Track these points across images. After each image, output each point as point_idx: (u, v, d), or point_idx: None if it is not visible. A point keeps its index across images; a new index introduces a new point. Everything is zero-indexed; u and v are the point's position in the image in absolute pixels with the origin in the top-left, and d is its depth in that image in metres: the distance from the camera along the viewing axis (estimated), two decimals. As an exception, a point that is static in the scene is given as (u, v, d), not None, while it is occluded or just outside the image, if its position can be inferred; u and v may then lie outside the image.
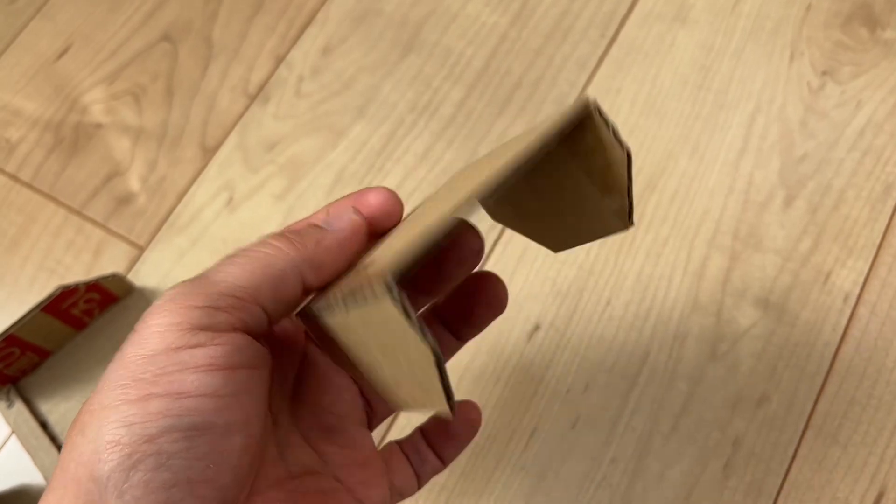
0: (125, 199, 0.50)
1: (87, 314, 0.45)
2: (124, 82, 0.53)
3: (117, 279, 0.45)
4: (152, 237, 0.48)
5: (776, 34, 0.49)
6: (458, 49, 0.51)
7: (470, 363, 0.43)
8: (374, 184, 0.48)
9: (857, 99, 0.47)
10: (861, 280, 0.43)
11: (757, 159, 0.46)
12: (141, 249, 0.48)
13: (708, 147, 0.47)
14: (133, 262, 0.48)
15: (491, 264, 0.45)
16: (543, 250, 0.45)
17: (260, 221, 0.48)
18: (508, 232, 0.46)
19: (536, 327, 0.44)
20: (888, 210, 0.44)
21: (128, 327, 0.46)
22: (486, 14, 0.52)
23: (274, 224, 0.48)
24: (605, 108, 0.48)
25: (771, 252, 0.44)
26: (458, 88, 0.50)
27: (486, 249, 0.46)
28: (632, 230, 0.45)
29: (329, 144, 0.50)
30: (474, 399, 0.42)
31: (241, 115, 0.51)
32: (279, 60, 0.52)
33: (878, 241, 0.44)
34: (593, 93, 0.49)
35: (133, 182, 0.50)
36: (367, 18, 0.53)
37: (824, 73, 0.48)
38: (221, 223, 0.48)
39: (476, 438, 0.42)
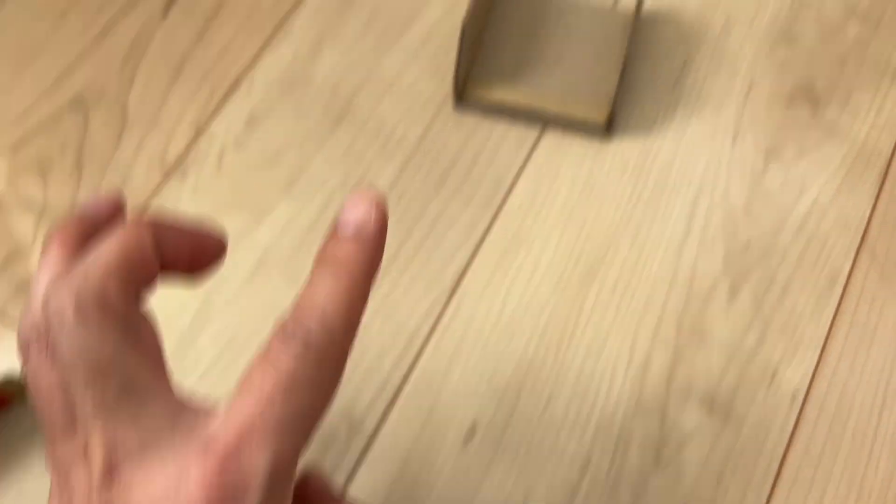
0: (26, 285, 0.45)
1: (-23, 419, 0.41)
2: (29, 152, 0.49)
3: (9, 381, 0.41)
4: (55, 328, 0.44)
5: (719, 112, 0.48)
6: (392, 121, 0.49)
7: (399, 475, 0.40)
8: (301, 268, 0.45)
9: (801, 182, 0.46)
10: (808, 377, 0.41)
11: (700, 247, 0.44)
12: (41, 342, 0.44)
13: (650, 233, 0.45)
14: (32, 357, 0.43)
15: (424, 360, 0.42)
16: (479, 345, 0.43)
17: (174, 310, 0.44)
18: (441, 327, 0.43)
19: (472, 431, 0.41)
20: (833, 302, 0.43)
21: (23, 434, 0.42)
22: (422, 83, 0.49)
23: (191, 312, 0.44)
24: (543, 192, 0.46)
25: (716, 347, 0.42)
26: (392, 164, 0.47)
27: (417, 347, 0.43)
28: (572, 322, 0.43)
29: (252, 223, 0.46)
30: (404, 515, 0.39)
31: (156, 192, 0.47)
32: (200, 131, 0.49)
33: (824, 336, 0.42)
34: (531, 174, 0.47)
35: (35, 264, 0.46)
36: (295, 87, 0.50)
37: (768, 154, 0.47)
38: (132, 313, 0.44)
39: (406, 555, 0.38)
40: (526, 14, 0.50)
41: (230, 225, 0.46)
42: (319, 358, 0.21)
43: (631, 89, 0.49)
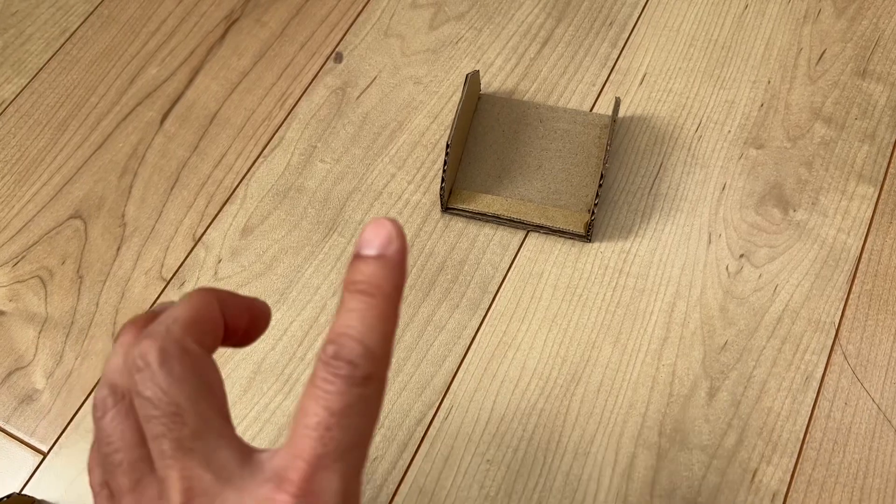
0: (27, 397, 0.47)
1: (-20, 537, 0.42)
2: (30, 264, 0.50)
3: (17, 500, 0.42)
4: (55, 441, 0.45)
5: (694, 215, 0.50)
6: (381, 228, 0.50)
7: (395, 581, 0.41)
8: (295, 376, 0.46)
9: (774, 283, 0.48)
10: (787, 478, 0.43)
11: (679, 348, 0.46)
12: (43, 455, 0.45)
13: (630, 336, 0.47)
14: (33, 471, 0.45)
15: (417, 466, 0.44)
16: (470, 450, 0.44)
17: (173, 421, 0.45)
18: (433, 432, 0.45)
19: (464, 538, 0.42)
20: (808, 402, 0.45)
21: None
22: (410, 192, 0.51)
23: (188, 423, 0.45)
24: (528, 295, 0.48)
25: (697, 449, 0.43)
26: (382, 270, 0.49)
27: (410, 453, 0.44)
28: (559, 425, 0.44)
29: (248, 332, 0.48)
30: None
31: (155, 301, 0.49)
32: (196, 240, 0.51)
33: (801, 436, 0.44)
34: (516, 277, 0.49)
35: (37, 377, 0.47)
36: (288, 195, 0.52)
37: (741, 255, 0.49)
38: (131, 425, 0.45)
39: None
40: (507, 121, 0.52)
41: (226, 334, 0.48)
42: (364, 381, 0.22)
43: (610, 192, 0.51)
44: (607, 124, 0.52)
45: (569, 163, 0.51)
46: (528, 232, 0.50)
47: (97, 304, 0.49)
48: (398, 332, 0.47)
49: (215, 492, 0.21)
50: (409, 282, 0.49)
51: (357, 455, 0.22)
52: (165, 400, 0.22)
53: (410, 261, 0.49)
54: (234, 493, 0.21)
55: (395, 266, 0.24)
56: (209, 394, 0.23)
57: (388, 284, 0.24)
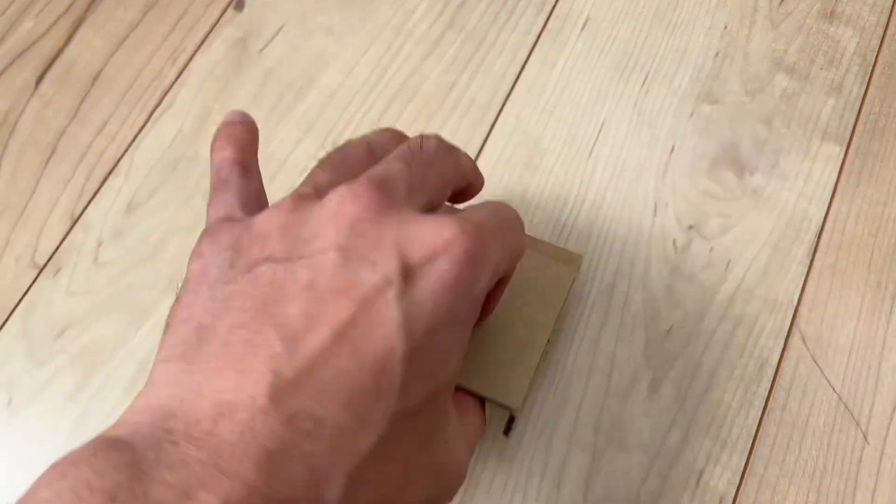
0: None
1: None
2: None
3: None
4: None
5: (638, 182, 0.44)
6: (286, 203, 0.44)
7: None
8: (185, 377, 0.41)
9: (726, 258, 0.42)
10: (736, 479, 0.38)
11: (619, 334, 0.41)
12: None
13: (565, 321, 0.41)
14: None
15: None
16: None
17: (45, 430, 0.40)
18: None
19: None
20: (763, 392, 0.40)
21: None
22: (315, 163, 0.45)
23: (63, 434, 0.40)
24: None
25: (637, 449, 0.39)
26: (286, 251, 0.43)
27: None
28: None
29: (132, 326, 0.42)
30: None
31: (26, 292, 0.43)
32: (74, 220, 0.44)
33: (753, 431, 0.39)
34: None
35: None
36: (179, 166, 0.46)
37: (691, 227, 0.43)
38: (-4, 436, 0.40)
39: None
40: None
41: (107, 329, 0.42)
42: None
43: (545, 157, 0.45)
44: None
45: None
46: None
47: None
48: None
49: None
50: (316, 264, 0.43)
51: (499, 261, 0.29)
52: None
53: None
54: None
55: None
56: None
57: None
